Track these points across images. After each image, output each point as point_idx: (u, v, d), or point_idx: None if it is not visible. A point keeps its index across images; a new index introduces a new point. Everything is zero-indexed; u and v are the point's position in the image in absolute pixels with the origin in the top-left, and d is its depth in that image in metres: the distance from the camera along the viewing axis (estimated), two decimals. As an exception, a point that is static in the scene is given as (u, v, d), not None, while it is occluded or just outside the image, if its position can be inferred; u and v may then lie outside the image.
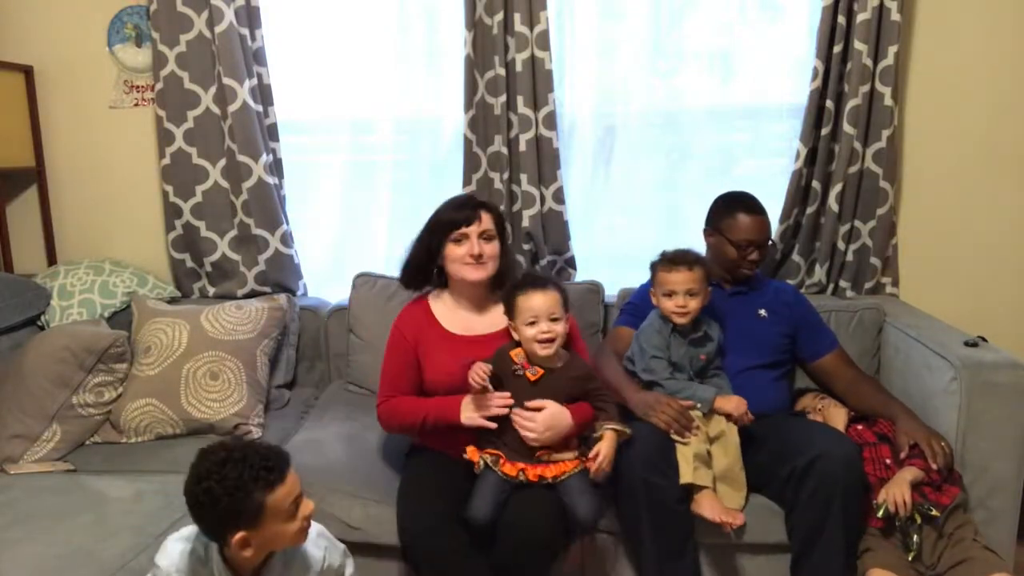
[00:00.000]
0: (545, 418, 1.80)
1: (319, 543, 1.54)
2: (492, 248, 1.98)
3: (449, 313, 2.05)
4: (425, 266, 2.04)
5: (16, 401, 2.14)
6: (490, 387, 1.80)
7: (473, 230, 1.96)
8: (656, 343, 2.02)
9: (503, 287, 1.99)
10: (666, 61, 2.65)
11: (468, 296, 2.04)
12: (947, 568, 1.79)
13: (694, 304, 1.99)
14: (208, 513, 1.34)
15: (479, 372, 1.79)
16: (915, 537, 1.79)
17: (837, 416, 2.08)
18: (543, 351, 1.84)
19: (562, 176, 2.60)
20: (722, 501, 1.88)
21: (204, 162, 2.70)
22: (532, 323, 1.83)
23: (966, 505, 1.90)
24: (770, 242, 2.26)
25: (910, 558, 1.79)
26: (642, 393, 1.99)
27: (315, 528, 1.52)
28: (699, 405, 1.92)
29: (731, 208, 2.21)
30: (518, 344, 1.90)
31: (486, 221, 1.98)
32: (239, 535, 1.33)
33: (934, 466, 1.84)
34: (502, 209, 2.44)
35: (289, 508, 1.38)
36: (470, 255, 1.95)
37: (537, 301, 1.84)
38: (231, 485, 1.31)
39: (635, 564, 1.95)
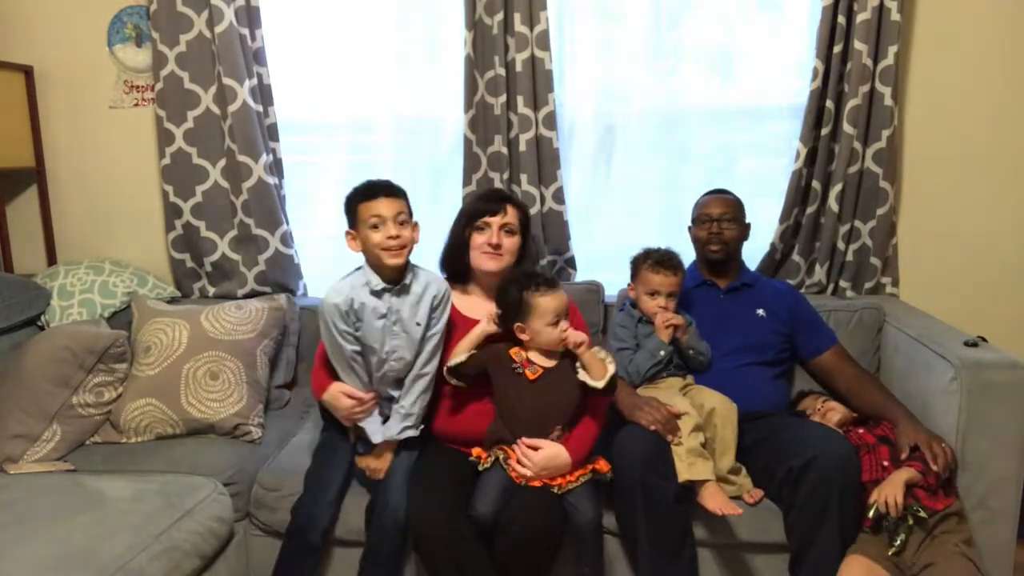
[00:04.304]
0: (542, 458, 1.81)
1: (441, 285, 1.96)
2: (511, 242, 2.03)
3: (464, 298, 2.10)
4: (458, 253, 2.08)
5: (16, 401, 2.14)
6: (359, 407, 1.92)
7: (496, 221, 2.01)
8: (621, 336, 2.16)
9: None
10: (666, 61, 2.65)
11: (484, 285, 2.08)
12: (920, 568, 1.76)
13: (673, 305, 2.12)
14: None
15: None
16: (902, 536, 1.77)
17: (837, 421, 2.08)
18: (561, 348, 1.87)
19: (562, 176, 2.60)
20: (724, 491, 1.88)
21: (204, 162, 2.70)
22: (555, 323, 1.85)
23: (962, 514, 1.87)
24: (745, 223, 2.33)
25: (890, 552, 1.77)
26: (632, 396, 2.01)
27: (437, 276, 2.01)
28: (661, 354, 2.07)
29: (700, 197, 2.38)
30: (516, 343, 1.90)
31: (511, 215, 2.03)
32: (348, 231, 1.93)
33: (934, 467, 1.83)
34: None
35: (368, 227, 1.86)
36: (488, 243, 1.99)
37: (559, 302, 1.86)
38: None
39: (632, 564, 1.95)
